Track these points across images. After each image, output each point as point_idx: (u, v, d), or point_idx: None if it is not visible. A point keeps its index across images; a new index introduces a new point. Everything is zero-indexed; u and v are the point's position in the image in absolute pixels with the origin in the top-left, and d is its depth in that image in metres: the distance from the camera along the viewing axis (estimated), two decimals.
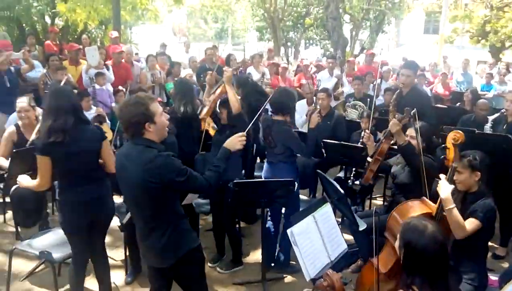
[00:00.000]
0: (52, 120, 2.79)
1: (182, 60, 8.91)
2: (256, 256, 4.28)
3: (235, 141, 2.66)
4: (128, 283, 3.80)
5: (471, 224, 2.78)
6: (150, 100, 2.40)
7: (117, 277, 3.83)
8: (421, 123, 3.74)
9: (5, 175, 4.00)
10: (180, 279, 2.62)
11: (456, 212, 2.72)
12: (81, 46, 7.61)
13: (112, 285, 3.51)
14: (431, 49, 16.19)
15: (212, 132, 4.24)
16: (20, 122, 4.33)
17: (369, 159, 3.80)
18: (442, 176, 2.86)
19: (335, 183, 3.27)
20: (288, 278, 3.93)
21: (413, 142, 3.64)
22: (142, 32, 20.45)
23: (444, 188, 2.74)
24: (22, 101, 4.31)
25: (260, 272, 3.73)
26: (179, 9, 15.40)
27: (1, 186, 4.33)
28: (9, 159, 3.95)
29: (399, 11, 17.48)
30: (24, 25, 13.52)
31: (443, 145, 4.13)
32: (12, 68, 5.81)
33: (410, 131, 3.75)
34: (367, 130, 4.03)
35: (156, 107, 2.40)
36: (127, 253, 3.89)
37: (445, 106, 7.23)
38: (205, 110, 4.23)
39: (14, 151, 3.92)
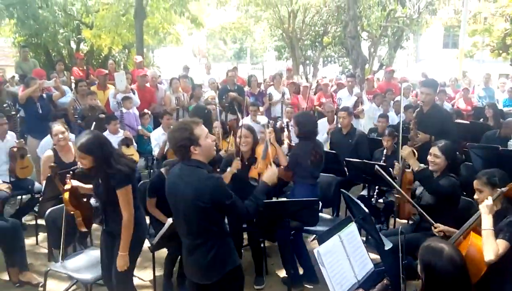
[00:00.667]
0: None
1: (203, 82, 9.12)
2: (282, 274, 4.30)
3: (273, 176, 2.81)
4: None
5: (500, 245, 2.72)
6: (195, 125, 2.57)
7: None
8: (444, 141, 3.76)
9: (40, 198, 4.17)
10: None
11: (493, 233, 2.71)
12: (106, 72, 7.89)
13: None
14: (451, 64, 16.07)
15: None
16: (56, 146, 4.57)
17: (396, 195, 3.74)
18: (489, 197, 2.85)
19: (359, 202, 3.31)
20: None
21: (437, 161, 3.65)
22: (164, 54, 20.95)
23: (488, 208, 2.74)
24: (58, 125, 4.58)
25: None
26: (199, 31, 15.78)
27: (36, 209, 4.50)
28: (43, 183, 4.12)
29: (417, 26, 17.44)
30: (50, 51, 14.07)
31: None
32: (44, 95, 6.06)
33: (434, 150, 3.72)
34: (397, 164, 3.98)
35: (200, 131, 2.56)
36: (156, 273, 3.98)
37: (467, 122, 7.19)
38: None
39: (48, 175, 4.09)
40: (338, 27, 18.58)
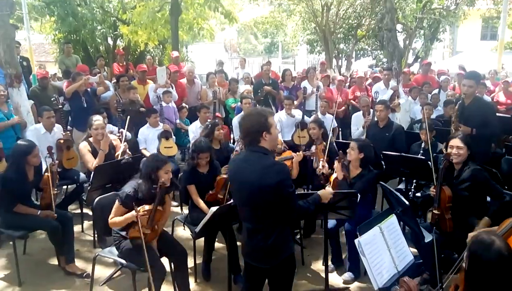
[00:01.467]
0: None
1: (238, 76, 9.24)
2: (317, 266, 4.37)
3: (328, 196, 3.00)
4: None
5: None
6: (270, 113, 2.71)
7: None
8: (461, 133, 3.74)
9: (88, 187, 4.38)
10: (274, 281, 2.81)
11: None
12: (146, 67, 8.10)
13: None
14: (489, 57, 15.54)
15: None
16: (91, 139, 4.84)
17: (435, 211, 3.67)
18: None
19: (399, 194, 3.32)
20: (352, 288, 3.98)
21: (461, 152, 3.64)
22: (196, 50, 21.22)
23: None
24: (99, 119, 4.82)
25: (323, 281, 3.81)
26: (231, 26, 15.89)
27: (84, 197, 4.71)
28: (92, 173, 4.32)
29: (454, 18, 16.96)
30: (88, 47, 14.52)
31: None
32: (88, 89, 6.32)
33: (455, 142, 3.70)
34: (432, 190, 3.83)
35: (273, 121, 2.69)
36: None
37: (508, 116, 6.98)
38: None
39: (96, 166, 4.29)
40: (372, 20, 18.28)
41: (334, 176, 4.23)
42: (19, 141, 4.24)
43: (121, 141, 5.13)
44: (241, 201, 2.76)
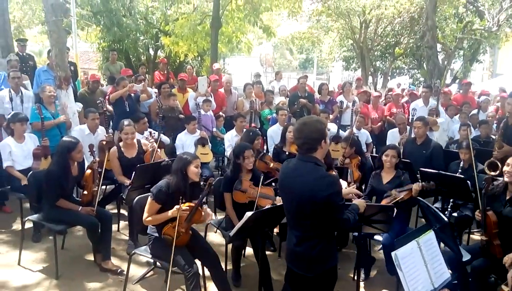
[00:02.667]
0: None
1: (274, 88, 9.34)
2: (348, 280, 4.30)
3: (363, 206, 3.00)
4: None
5: None
6: (325, 123, 2.77)
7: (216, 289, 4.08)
8: (507, 152, 3.62)
9: (129, 187, 4.52)
10: (315, 290, 2.81)
11: None
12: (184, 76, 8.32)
13: None
14: None
15: None
16: (122, 143, 4.99)
17: (483, 237, 3.53)
18: None
19: (438, 210, 3.27)
20: None
21: None
22: (233, 63, 21.58)
23: None
24: (130, 124, 5.00)
25: None
26: (269, 41, 16.11)
27: (124, 196, 4.86)
28: (133, 173, 4.46)
29: (495, 40, 16.55)
30: (130, 56, 15.02)
31: None
32: (132, 95, 6.56)
33: None
34: (478, 215, 3.65)
35: (327, 131, 2.72)
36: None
37: None
38: None
39: (137, 166, 4.43)
40: (411, 38, 18.10)
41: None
42: (64, 138, 4.42)
43: (155, 142, 5.27)
44: (291, 209, 2.77)
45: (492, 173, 4.38)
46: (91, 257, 4.48)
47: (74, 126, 6.01)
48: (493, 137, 6.05)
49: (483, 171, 4.67)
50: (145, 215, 3.53)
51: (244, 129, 6.39)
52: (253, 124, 7.04)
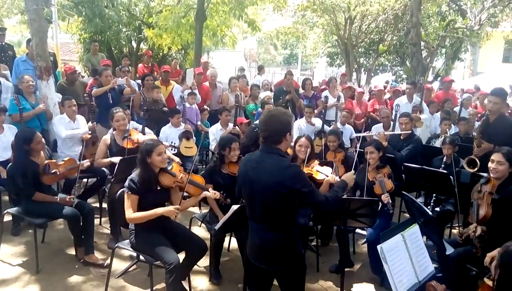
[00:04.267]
0: None
1: (259, 82, 9.30)
2: (333, 274, 4.33)
3: (351, 178, 2.98)
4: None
5: None
6: (292, 116, 2.74)
7: (201, 282, 4.05)
8: (508, 148, 3.66)
9: (112, 179, 4.45)
10: (285, 282, 2.80)
11: None
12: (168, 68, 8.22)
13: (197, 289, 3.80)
14: (510, 79, 15.35)
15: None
16: (115, 131, 4.97)
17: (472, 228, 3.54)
18: None
19: (422, 204, 3.30)
20: None
21: (501, 168, 3.54)
22: (217, 57, 21.47)
23: None
24: (119, 111, 4.97)
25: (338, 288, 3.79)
26: (254, 36, 16.06)
27: (106, 189, 4.78)
28: (116, 165, 4.40)
29: (477, 38, 16.82)
30: (112, 48, 14.76)
31: None
32: (116, 87, 6.45)
33: (497, 157, 3.59)
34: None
35: (293, 124, 2.74)
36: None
37: None
38: None
39: (120, 158, 4.36)
40: (395, 35, 18.26)
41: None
42: (18, 132, 4.33)
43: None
44: (252, 200, 2.74)
45: (471, 170, 4.43)
46: (72, 251, 4.39)
47: (55, 117, 5.88)
48: (474, 134, 6.14)
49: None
50: (127, 212, 3.42)
51: (230, 124, 6.37)
52: (238, 118, 7.00)
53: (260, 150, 2.75)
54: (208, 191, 3.80)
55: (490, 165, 3.62)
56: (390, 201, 4.05)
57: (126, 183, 3.45)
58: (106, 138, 4.96)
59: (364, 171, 4.37)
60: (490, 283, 2.67)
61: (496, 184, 3.48)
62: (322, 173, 4.20)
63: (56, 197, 4.18)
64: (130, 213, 3.41)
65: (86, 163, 4.61)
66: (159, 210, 3.43)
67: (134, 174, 3.49)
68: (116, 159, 4.60)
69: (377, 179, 4.24)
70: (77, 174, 4.53)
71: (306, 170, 4.16)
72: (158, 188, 3.57)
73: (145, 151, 3.49)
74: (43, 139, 4.25)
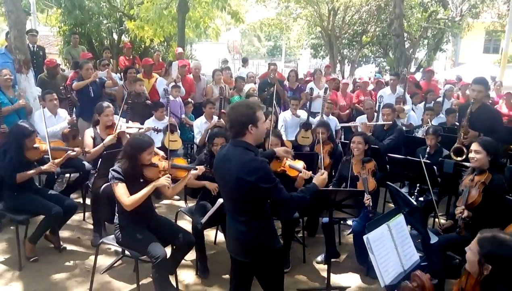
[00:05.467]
0: None
1: (243, 74, 9.26)
2: (319, 265, 4.37)
3: (323, 183, 2.91)
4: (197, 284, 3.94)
5: None
6: (258, 107, 2.68)
7: (188, 276, 4.03)
8: (486, 137, 3.72)
9: (95, 174, 4.39)
10: (261, 276, 2.80)
11: None
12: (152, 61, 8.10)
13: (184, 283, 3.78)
14: (490, 69, 15.63)
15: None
16: (98, 126, 4.90)
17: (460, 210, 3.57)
18: None
19: (406, 194, 3.33)
20: (352, 289, 3.98)
21: (478, 156, 3.59)
22: (201, 49, 21.28)
23: None
24: (109, 107, 4.91)
25: (324, 280, 3.82)
26: (237, 27, 15.94)
27: (89, 184, 4.71)
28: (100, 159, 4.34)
29: (458, 29, 17.03)
30: (93, 41, 14.51)
31: None
32: (97, 80, 6.33)
33: (474, 146, 3.66)
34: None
35: (261, 115, 2.66)
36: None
37: (511, 126, 7.04)
38: None
39: (104, 152, 4.30)
40: (378, 27, 18.36)
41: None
42: (20, 123, 4.26)
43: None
44: (224, 193, 2.77)
45: (459, 158, 4.49)
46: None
47: (35, 111, 5.75)
48: (457, 124, 6.22)
49: (448, 156, 4.80)
50: (123, 200, 3.33)
51: (215, 117, 6.32)
52: (222, 111, 6.95)
53: (229, 142, 2.74)
54: (195, 169, 3.77)
55: (470, 155, 3.69)
56: (371, 204, 4.00)
57: (110, 175, 3.39)
58: (90, 130, 4.88)
59: (348, 163, 4.38)
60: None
61: (490, 176, 3.51)
62: (295, 168, 4.09)
63: (38, 169, 4.12)
64: (126, 199, 3.33)
65: (75, 151, 4.48)
66: (152, 184, 3.42)
67: (117, 166, 3.42)
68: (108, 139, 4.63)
69: (361, 175, 4.21)
70: (63, 158, 4.41)
71: (278, 166, 4.07)
72: (142, 180, 3.52)
73: (138, 148, 3.42)
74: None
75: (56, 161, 4.19)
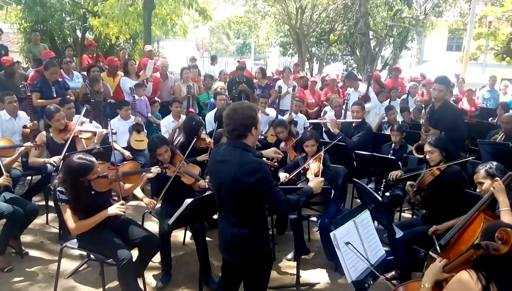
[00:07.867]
0: None
1: (214, 73, 9.20)
2: (289, 262, 4.39)
3: (319, 186, 2.94)
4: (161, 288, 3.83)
5: None
6: (257, 109, 2.68)
7: (156, 279, 3.94)
8: (433, 136, 3.88)
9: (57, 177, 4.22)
10: (248, 276, 2.80)
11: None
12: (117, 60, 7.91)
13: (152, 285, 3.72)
14: (453, 67, 16.11)
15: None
16: (52, 128, 4.74)
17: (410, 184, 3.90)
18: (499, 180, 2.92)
19: (372, 191, 3.38)
20: (321, 285, 4.02)
21: (432, 156, 3.75)
22: (168, 47, 20.95)
23: (503, 190, 2.84)
24: (58, 111, 4.72)
25: (295, 277, 3.83)
26: (205, 24, 15.78)
27: (51, 186, 4.55)
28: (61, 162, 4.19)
29: (422, 28, 17.45)
30: (56, 38, 14.05)
31: None
32: (60, 80, 6.11)
33: (426, 147, 3.84)
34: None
35: (259, 116, 2.66)
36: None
37: (474, 122, 7.27)
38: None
39: (66, 154, 4.16)
40: (345, 25, 18.59)
41: (311, 171, 4.26)
42: None
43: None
44: (219, 193, 2.74)
45: (420, 155, 4.61)
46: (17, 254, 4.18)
47: None
48: (422, 121, 6.38)
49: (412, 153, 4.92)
50: (69, 224, 3.20)
51: (183, 116, 6.23)
52: (190, 109, 6.88)
53: (226, 143, 2.71)
54: (150, 171, 3.72)
55: (426, 156, 3.85)
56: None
57: (57, 195, 3.25)
58: (43, 134, 4.70)
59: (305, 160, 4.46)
60: (435, 256, 2.79)
61: (445, 165, 3.69)
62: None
63: None
64: (71, 224, 3.19)
65: (27, 145, 4.29)
66: (103, 213, 3.26)
67: (60, 186, 3.23)
68: (52, 160, 4.41)
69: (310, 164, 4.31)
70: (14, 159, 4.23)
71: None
72: (93, 192, 3.38)
73: (77, 174, 3.17)
74: None
75: (5, 161, 3.98)
